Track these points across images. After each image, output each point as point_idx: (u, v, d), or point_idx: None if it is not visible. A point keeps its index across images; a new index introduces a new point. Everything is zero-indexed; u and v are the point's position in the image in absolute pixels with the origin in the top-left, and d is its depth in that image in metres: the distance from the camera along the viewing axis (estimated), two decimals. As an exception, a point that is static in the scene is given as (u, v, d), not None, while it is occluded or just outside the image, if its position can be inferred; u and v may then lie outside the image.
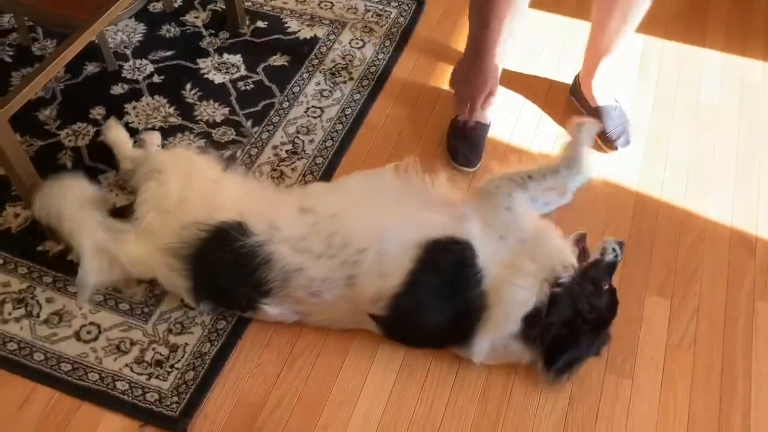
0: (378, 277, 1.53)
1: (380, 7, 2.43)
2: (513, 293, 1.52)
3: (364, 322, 1.61)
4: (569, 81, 2.20)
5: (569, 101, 2.17)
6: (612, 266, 1.63)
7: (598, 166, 2.02)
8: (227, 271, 1.57)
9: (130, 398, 1.54)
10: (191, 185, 1.66)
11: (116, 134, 1.93)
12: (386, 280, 1.52)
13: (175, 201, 1.64)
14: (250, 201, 1.64)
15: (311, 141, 2.04)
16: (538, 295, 1.52)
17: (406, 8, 2.43)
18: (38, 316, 1.66)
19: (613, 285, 1.62)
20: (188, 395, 1.55)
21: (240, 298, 1.60)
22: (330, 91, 2.17)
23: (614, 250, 1.62)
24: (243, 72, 2.21)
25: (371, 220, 1.58)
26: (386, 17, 2.40)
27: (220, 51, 2.26)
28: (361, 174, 1.76)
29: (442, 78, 2.22)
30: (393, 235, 1.55)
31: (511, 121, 2.12)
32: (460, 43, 2.16)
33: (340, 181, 1.78)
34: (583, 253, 1.65)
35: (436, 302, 1.54)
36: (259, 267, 1.54)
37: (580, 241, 1.66)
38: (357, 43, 2.32)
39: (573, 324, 1.52)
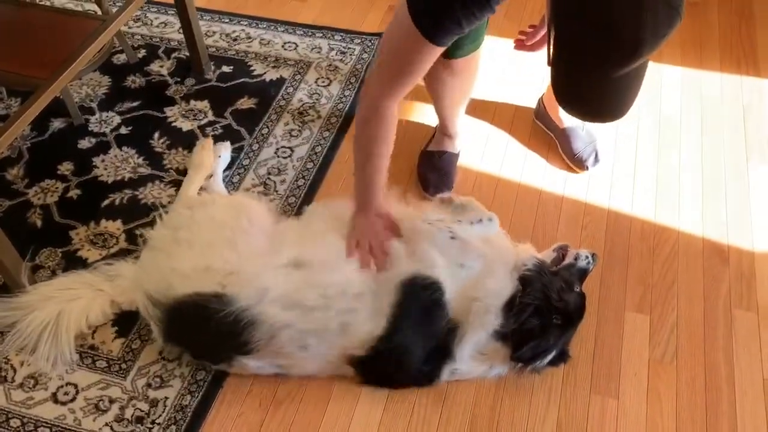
0: (369, 320, 1.53)
1: (344, 45, 2.46)
2: (489, 286, 1.56)
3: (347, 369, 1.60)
4: (533, 105, 2.23)
5: (534, 125, 2.20)
6: (584, 272, 1.69)
7: (571, 186, 2.04)
8: (205, 333, 1.54)
9: (112, 458, 1.51)
10: (214, 230, 1.65)
11: (206, 158, 1.97)
12: (376, 322, 1.53)
13: (186, 237, 1.63)
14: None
15: (283, 181, 2.04)
16: (512, 285, 1.57)
17: (370, 44, 2.46)
18: (13, 380, 1.63)
19: (584, 292, 1.66)
20: (171, 450, 1.52)
21: (216, 354, 1.59)
22: (299, 131, 2.18)
23: (587, 257, 1.69)
24: (211, 117, 2.21)
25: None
26: (350, 54, 2.43)
27: (186, 98, 2.27)
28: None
29: (409, 110, 2.24)
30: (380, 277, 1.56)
31: (480, 148, 2.14)
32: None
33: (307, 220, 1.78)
34: (560, 260, 1.70)
35: (417, 337, 1.55)
36: (244, 330, 1.50)
37: (561, 250, 1.72)
38: (323, 82, 2.34)
39: (543, 313, 1.55)
